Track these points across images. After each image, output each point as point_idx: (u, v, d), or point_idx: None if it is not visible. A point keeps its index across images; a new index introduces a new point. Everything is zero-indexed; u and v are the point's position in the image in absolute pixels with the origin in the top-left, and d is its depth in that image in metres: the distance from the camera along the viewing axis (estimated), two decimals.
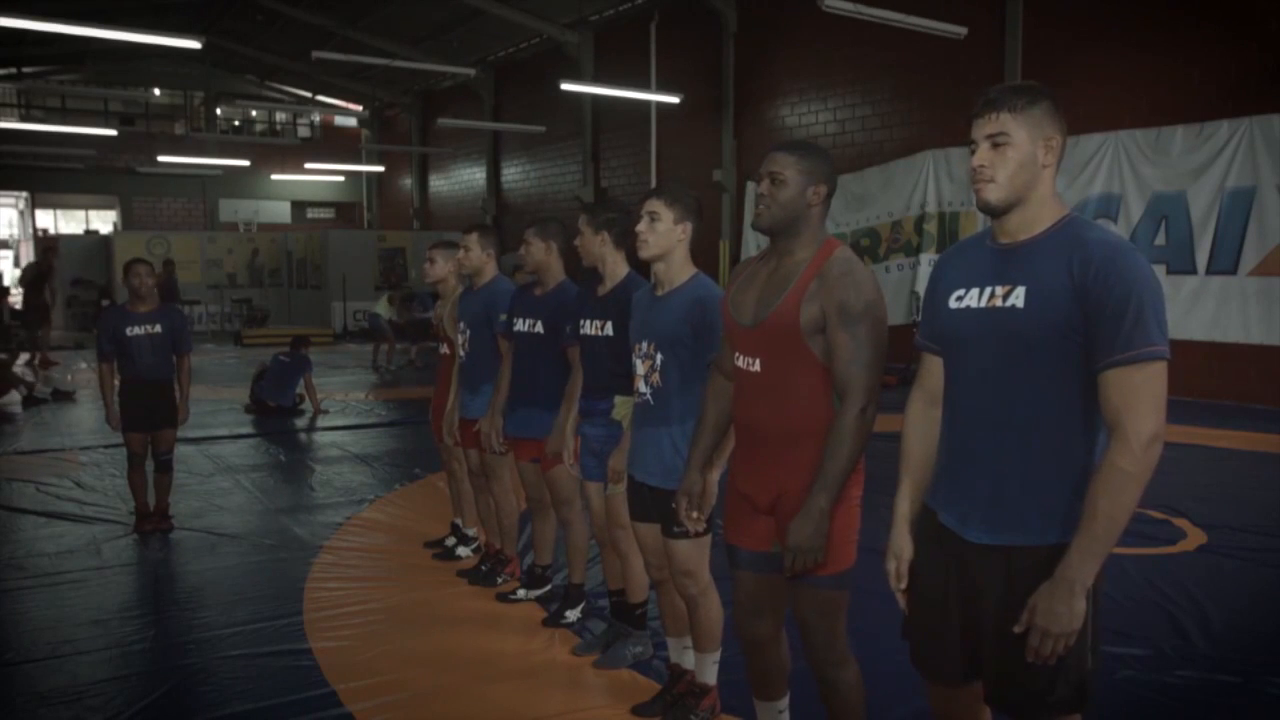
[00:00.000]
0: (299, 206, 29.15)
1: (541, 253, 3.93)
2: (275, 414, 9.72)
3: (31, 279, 14.76)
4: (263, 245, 22.46)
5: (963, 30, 11.03)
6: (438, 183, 25.78)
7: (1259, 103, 9.57)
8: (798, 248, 2.43)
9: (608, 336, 3.38)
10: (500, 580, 4.54)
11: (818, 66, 14.35)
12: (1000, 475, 1.96)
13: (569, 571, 4.14)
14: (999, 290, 1.96)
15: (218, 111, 27.41)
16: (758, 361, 2.42)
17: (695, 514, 2.74)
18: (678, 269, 3.02)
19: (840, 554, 2.38)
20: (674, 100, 15.17)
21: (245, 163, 23.68)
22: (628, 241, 3.29)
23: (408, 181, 26.67)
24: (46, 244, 18.54)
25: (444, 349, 4.92)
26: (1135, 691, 3.40)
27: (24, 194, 27.00)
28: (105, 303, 18.13)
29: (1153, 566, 4.72)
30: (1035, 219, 1.97)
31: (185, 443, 7.55)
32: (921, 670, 2.17)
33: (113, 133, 22.47)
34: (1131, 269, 1.84)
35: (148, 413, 5.45)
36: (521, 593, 4.37)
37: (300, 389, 9.92)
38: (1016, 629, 1.88)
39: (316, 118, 29.46)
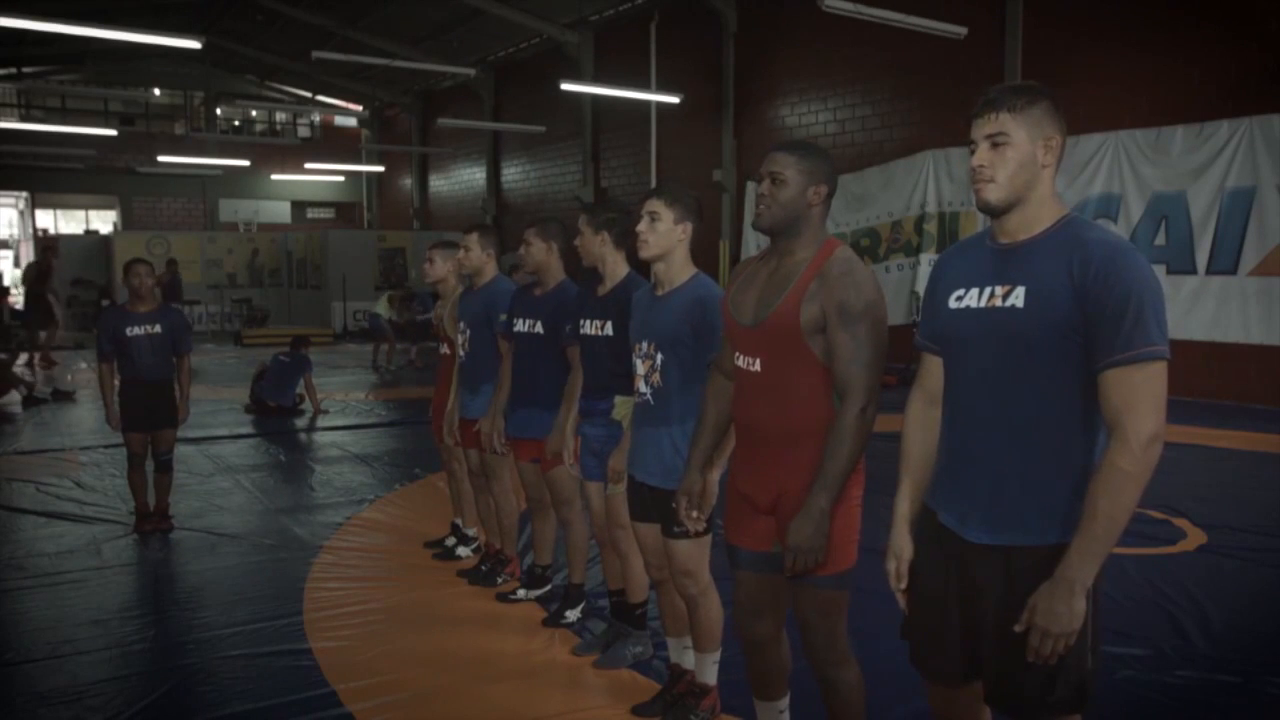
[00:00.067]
0: (299, 206, 29.16)
1: (542, 253, 3.93)
2: (275, 414, 9.72)
3: (34, 279, 14.76)
4: (263, 245, 22.46)
5: (963, 30, 11.03)
6: (438, 183, 25.78)
7: (1259, 103, 9.57)
8: (798, 248, 2.43)
9: (608, 336, 3.38)
10: (500, 580, 4.54)
11: (818, 66, 14.35)
12: (1000, 475, 1.96)
13: (569, 571, 4.14)
14: (999, 290, 1.96)
15: (218, 111, 27.42)
16: (758, 361, 2.42)
17: (695, 514, 2.74)
18: (678, 269, 3.02)
19: (841, 554, 2.38)
20: (674, 100, 15.18)
21: (245, 163, 23.68)
22: (628, 241, 3.29)
23: (408, 181, 26.67)
24: (46, 244, 18.54)
25: (444, 349, 4.92)
26: (1135, 691, 3.40)
27: (24, 194, 27.00)
28: (105, 303, 18.14)
29: (1153, 566, 4.72)
30: (1035, 219, 1.97)
31: (185, 443, 7.55)
32: (921, 670, 2.17)
33: (113, 133, 22.49)
34: (1131, 269, 1.84)
35: (147, 413, 5.45)
36: (521, 593, 4.37)
37: (300, 389, 9.92)
38: (1017, 628, 1.88)
39: (316, 118, 29.46)
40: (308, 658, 3.73)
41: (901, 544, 2.16)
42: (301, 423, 9.48)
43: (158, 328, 5.43)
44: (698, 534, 2.92)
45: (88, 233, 25.78)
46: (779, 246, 2.46)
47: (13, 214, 28.75)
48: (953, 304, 2.05)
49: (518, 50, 20.71)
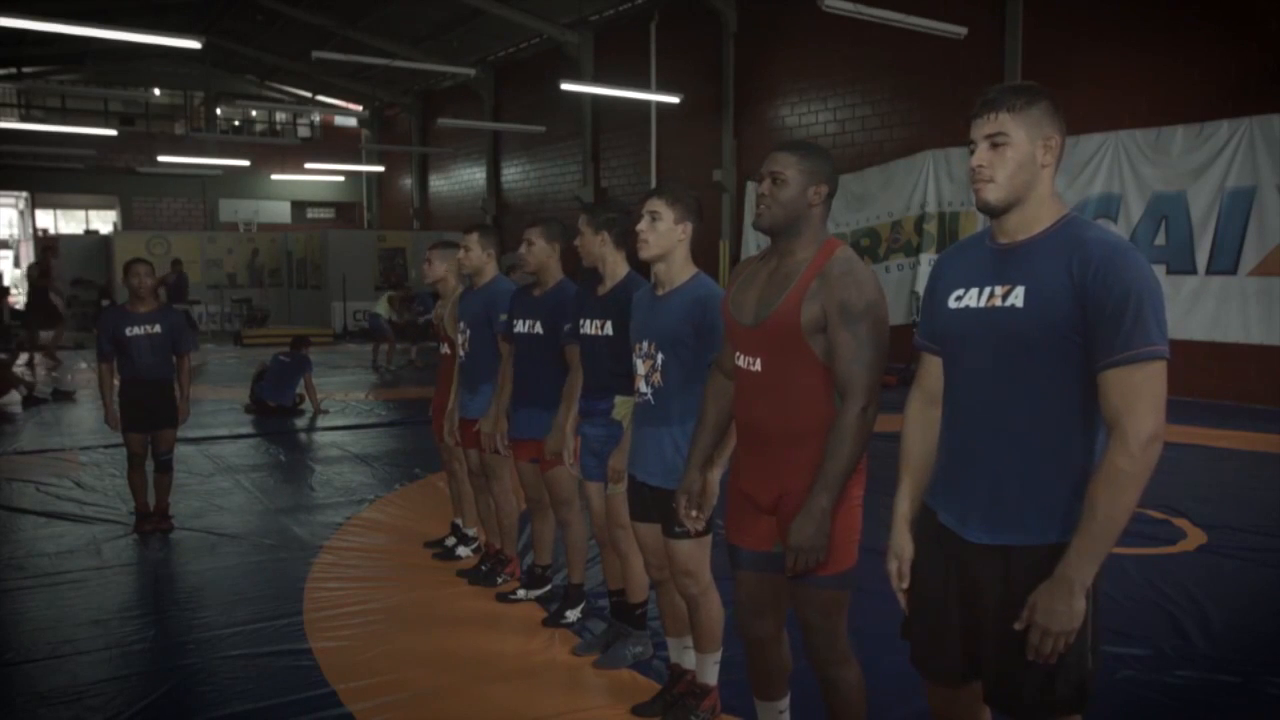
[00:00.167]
0: (299, 206, 29.17)
1: (545, 253, 3.93)
2: (275, 414, 9.72)
3: (35, 278, 14.77)
4: (263, 245, 22.47)
5: (963, 30, 11.03)
6: (438, 183, 25.79)
7: (1259, 103, 9.57)
8: (799, 247, 2.43)
9: (608, 336, 3.38)
10: (500, 580, 4.54)
11: (818, 66, 14.35)
12: (999, 475, 1.96)
13: (569, 571, 4.14)
14: (998, 290, 1.96)
15: (218, 111, 27.42)
16: (759, 361, 2.42)
17: (695, 513, 2.74)
18: (678, 269, 3.02)
19: (842, 554, 2.38)
20: (674, 100, 15.18)
21: (245, 163, 23.68)
22: (628, 241, 3.29)
23: (408, 181, 26.68)
24: (46, 244, 18.55)
25: (444, 349, 4.92)
26: (1135, 691, 3.40)
27: (24, 194, 27.01)
28: (105, 303, 18.14)
29: (1153, 566, 4.72)
30: (1034, 219, 1.97)
31: (185, 443, 7.55)
32: (921, 670, 2.17)
33: (113, 133, 22.50)
34: (1131, 268, 1.84)
35: (147, 413, 5.45)
36: (521, 593, 4.37)
37: (300, 389, 9.92)
38: (1017, 626, 1.88)
39: (316, 118, 29.48)
40: (308, 658, 3.73)
41: (902, 544, 2.16)
42: (301, 423, 9.48)
43: (157, 328, 5.43)
44: (698, 534, 2.92)
45: (88, 233, 25.81)
46: (779, 246, 2.46)
47: (13, 214, 28.77)
48: (952, 304, 2.05)
49: (518, 50, 20.72)
